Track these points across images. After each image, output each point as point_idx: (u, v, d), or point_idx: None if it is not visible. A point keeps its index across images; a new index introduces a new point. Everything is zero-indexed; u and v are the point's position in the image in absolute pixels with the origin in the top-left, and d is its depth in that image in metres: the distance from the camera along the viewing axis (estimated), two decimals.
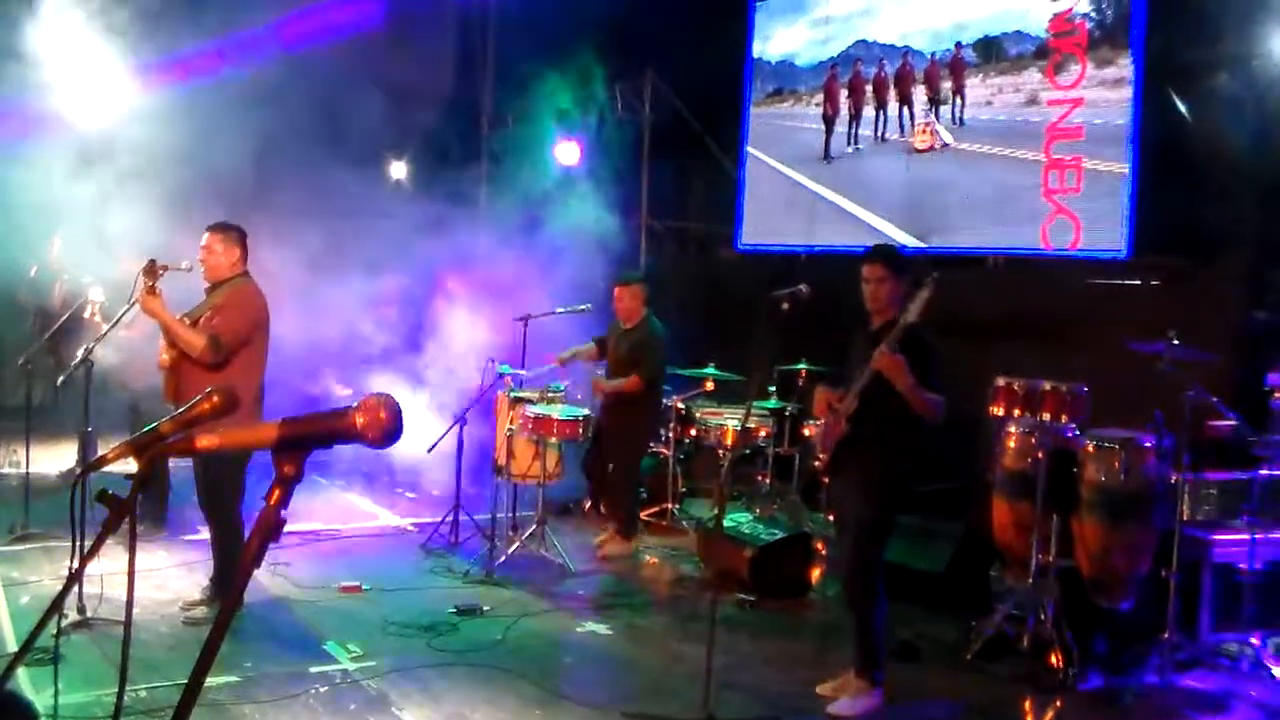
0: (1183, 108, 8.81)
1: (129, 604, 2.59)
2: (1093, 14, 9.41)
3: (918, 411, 5.87)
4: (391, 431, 1.90)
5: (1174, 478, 6.84)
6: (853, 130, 11.47)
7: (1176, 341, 6.75)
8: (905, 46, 10.96)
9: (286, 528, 1.94)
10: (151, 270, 6.78)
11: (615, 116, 13.62)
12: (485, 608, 7.67)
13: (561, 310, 9.71)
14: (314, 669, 6.38)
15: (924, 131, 10.72)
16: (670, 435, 10.17)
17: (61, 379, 7.92)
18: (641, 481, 9.85)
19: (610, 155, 13.16)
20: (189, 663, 1.93)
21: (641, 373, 9.11)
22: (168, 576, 7.93)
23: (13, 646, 6.37)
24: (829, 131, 11.74)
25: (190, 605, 7.19)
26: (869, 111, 11.30)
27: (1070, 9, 9.57)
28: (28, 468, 9.00)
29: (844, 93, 11.61)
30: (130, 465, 2.36)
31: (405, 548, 9.27)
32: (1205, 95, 8.70)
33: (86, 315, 8.55)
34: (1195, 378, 6.74)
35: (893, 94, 11.07)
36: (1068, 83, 9.48)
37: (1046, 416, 7.14)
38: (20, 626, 6.69)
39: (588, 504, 10.21)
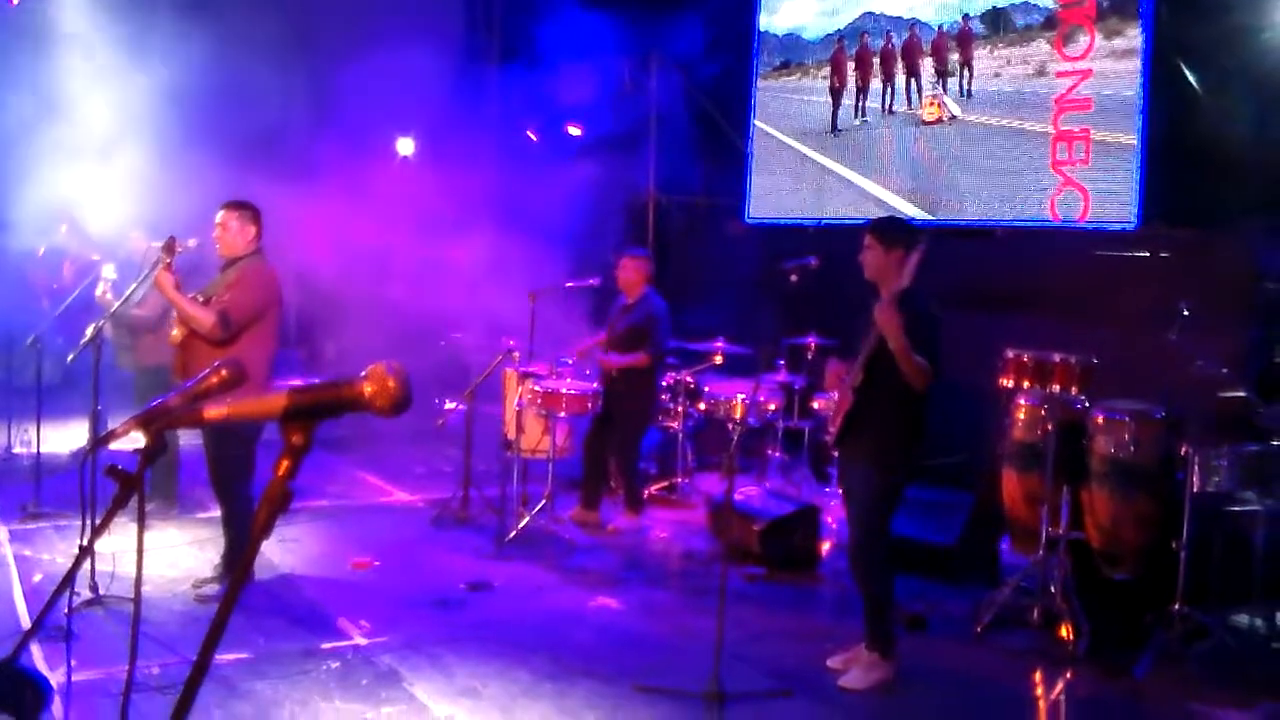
0: (1192, 79, 8.76)
1: (138, 578, 2.59)
2: None
3: (905, 372, 5.85)
4: (401, 400, 1.89)
5: (1183, 449, 6.82)
6: (860, 103, 11.43)
7: (1187, 313, 6.74)
8: (913, 19, 10.91)
9: (296, 503, 1.93)
10: (170, 247, 6.84)
11: (622, 91, 13.56)
12: (496, 583, 7.69)
13: (570, 285, 9.73)
14: (325, 645, 6.41)
15: (932, 104, 10.67)
16: (679, 409, 10.17)
17: (71, 357, 7.93)
18: (643, 456, 9.83)
19: (617, 130, 13.12)
20: (200, 639, 1.94)
21: (648, 349, 9.13)
22: (180, 554, 7.97)
23: (26, 624, 6.41)
24: (836, 104, 11.69)
25: (202, 582, 7.23)
26: (876, 84, 11.26)
27: None
28: (39, 447, 9.03)
29: (851, 65, 11.56)
30: (142, 442, 2.37)
31: (416, 523, 9.29)
32: (1215, 67, 8.65)
33: (98, 293, 8.56)
34: (1205, 349, 6.72)
35: (900, 66, 11.02)
36: (1076, 54, 9.43)
37: (1056, 388, 7.12)
38: (33, 604, 6.73)
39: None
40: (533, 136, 13.87)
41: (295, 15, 11.32)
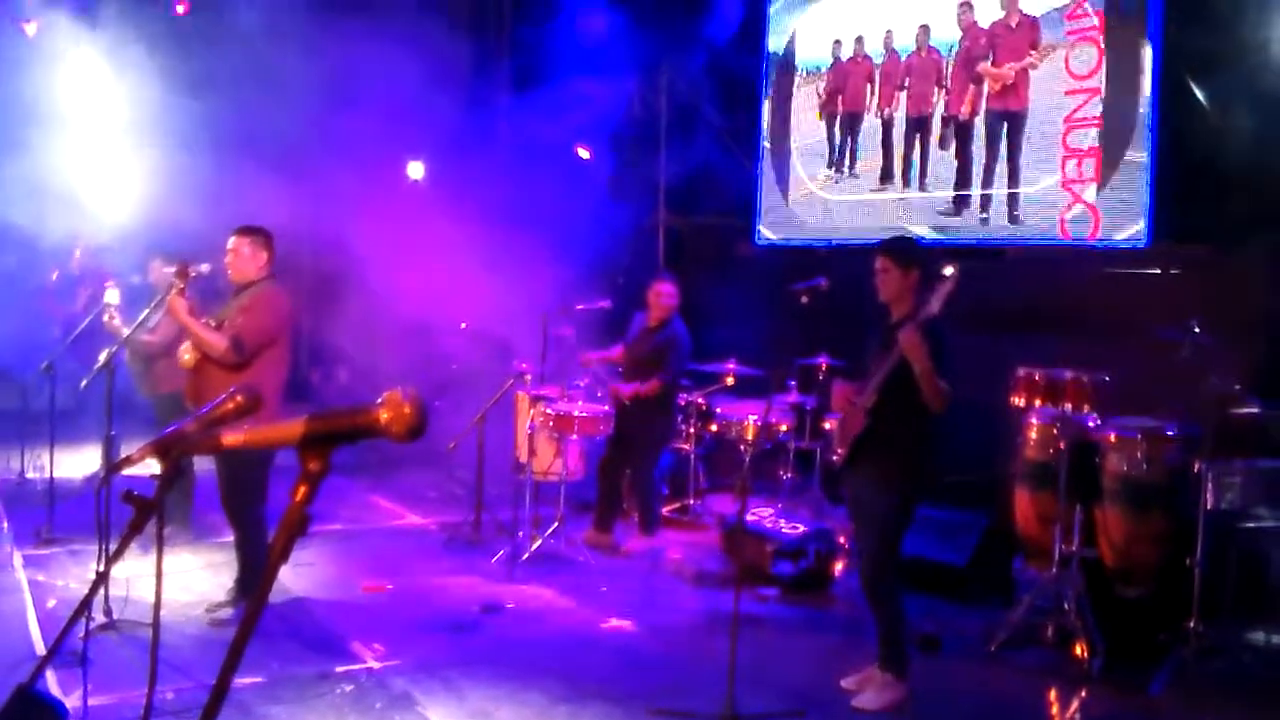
0: (1201, 95, 8.77)
1: (157, 603, 2.61)
2: (1108, 2, 9.36)
3: (927, 395, 5.86)
4: (416, 426, 1.90)
5: (1197, 466, 6.81)
6: (868, 122, 11.42)
7: (1198, 329, 6.73)
8: (920, 38, 10.90)
9: (310, 527, 1.94)
10: (183, 273, 6.90)
11: (633, 112, 13.61)
12: (509, 605, 7.69)
13: (581, 307, 9.74)
14: (339, 668, 6.41)
15: (941, 123, 10.68)
16: (691, 431, 10.18)
17: (84, 383, 7.96)
18: (658, 479, 9.83)
19: (626, 151, 13.15)
20: (215, 664, 1.95)
21: (663, 375, 9.13)
22: (194, 578, 7.98)
23: (40, 649, 6.43)
24: (844, 123, 11.68)
25: (215, 607, 7.24)
26: (884, 103, 11.26)
27: None
28: (52, 472, 9.04)
29: (858, 83, 11.55)
30: (157, 468, 2.38)
31: (428, 546, 9.30)
32: (1224, 82, 8.65)
33: (105, 319, 8.59)
34: (1217, 365, 6.71)
35: (909, 85, 11.02)
36: (1084, 72, 9.43)
37: (1068, 406, 7.13)
38: (47, 629, 6.75)
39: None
40: (585, 154, 13.74)
41: (302, 36, 11.40)
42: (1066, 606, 7.01)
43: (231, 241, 7.18)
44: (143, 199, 10.95)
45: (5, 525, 9.20)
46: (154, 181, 10.93)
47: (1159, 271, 8.88)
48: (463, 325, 11.75)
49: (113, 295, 8.75)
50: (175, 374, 7.68)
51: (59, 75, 11.33)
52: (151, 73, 11.13)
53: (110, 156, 11.42)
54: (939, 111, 10.67)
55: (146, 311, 7.45)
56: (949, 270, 5.86)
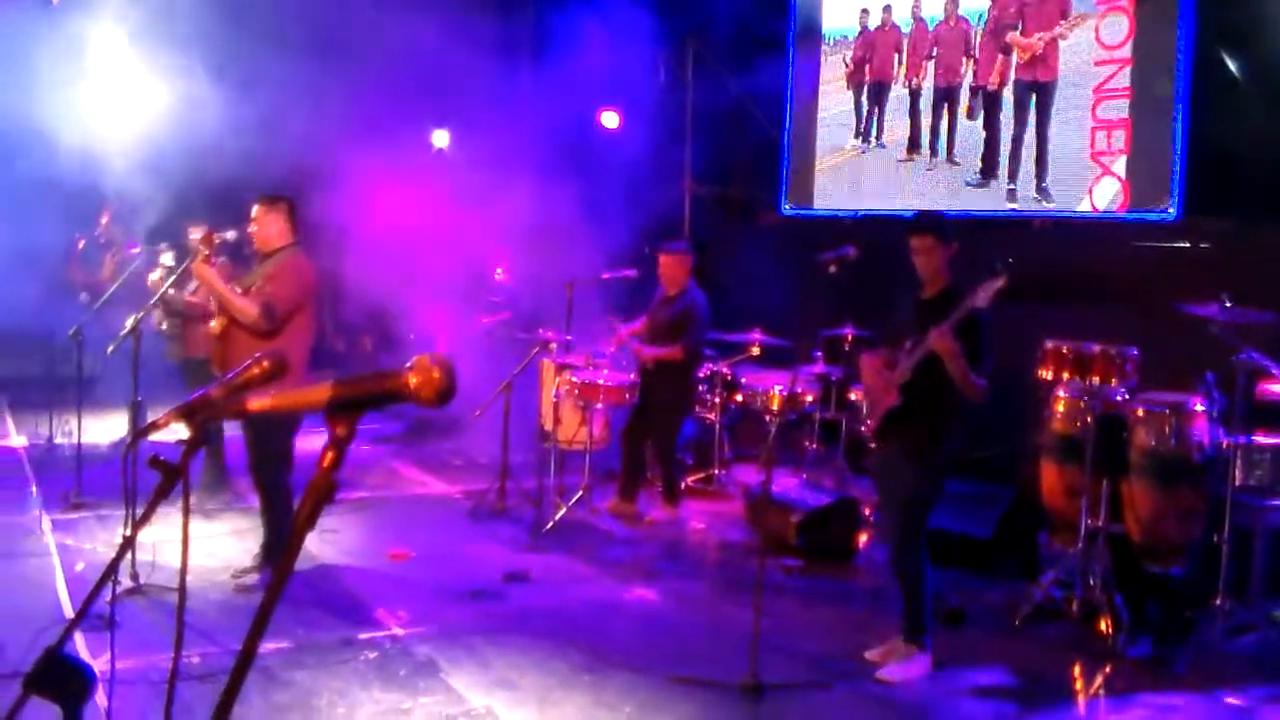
0: (1232, 66, 8.67)
1: (183, 569, 2.60)
2: None
3: (963, 391, 5.85)
4: (446, 391, 1.88)
5: (1225, 442, 6.76)
6: (896, 92, 11.35)
7: (1228, 303, 6.67)
8: (950, 7, 10.82)
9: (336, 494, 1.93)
10: (208, 239, 6.95)
11: (659, 81, 13.55)
12: (533, 574, 7.70)
13: (607, 276, 9.72)
14: (363, 635, 6.44)
15: (969, 93, 10.60)
16: (716, 401, 10.16)
17: (111, 348, 8.00)
18: (681, 448, 9.81)
19: (653, 120, 13.09)
20: (240, 629, 1.94)
21: (684, 342, 9.09)
22: (219, 544, 8.02)
23: (68, 612, 6.46)
24: (872, 93, 11.62)
25: (241, 572, 7.28)
26: (913, 74, 11.18)
27: None
28: (80, 438, 9.09)
29: (887, 52, 11.47)
30: (184, 433, 2.37)
31: (453, 515, 9.32)
32: (1255, 54, 8.56)
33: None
34: (1247, 340, 6.65)
35: (937, 55, 10.94)
36: (1115, 42, 9.35)
37: (1096, 380, 7.07)
38: (75, 593, 6.79)
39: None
40: (612, 120, 13.64)
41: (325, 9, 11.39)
42: (1092, 581, 6.98)
43: (254, 211, 7.22)
44: (168, 166, 10.97)
45: (34, 490, 9.26)
46: (179, 148, 10.95)
47: (1188, 245, 8.81)
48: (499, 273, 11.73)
49: (168, 258, 8.82)
50: (208, 338, 7.72)
51: (87, 40, 11.36)
52: (178, 42, 11.14)
53: (139, 129, 11.44)
54: (967, 81, 10.60)
55: (173, 278, 7.48)
56: (1000, 268, 5.82)
